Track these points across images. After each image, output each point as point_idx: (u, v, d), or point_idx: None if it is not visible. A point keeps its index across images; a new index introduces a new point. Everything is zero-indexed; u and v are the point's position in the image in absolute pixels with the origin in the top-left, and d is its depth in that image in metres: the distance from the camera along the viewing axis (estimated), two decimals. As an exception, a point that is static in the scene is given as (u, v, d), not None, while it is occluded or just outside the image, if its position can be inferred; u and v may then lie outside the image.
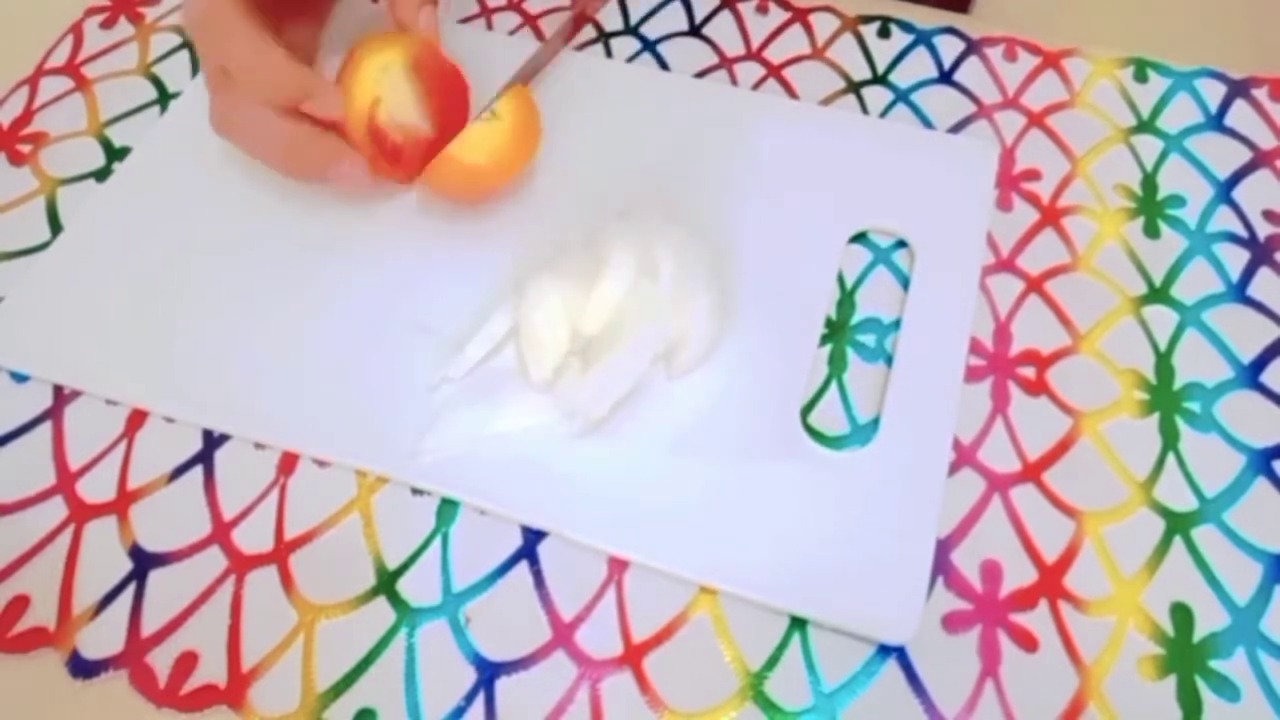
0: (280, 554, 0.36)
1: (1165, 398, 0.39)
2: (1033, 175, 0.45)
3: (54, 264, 0.43)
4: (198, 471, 0.38)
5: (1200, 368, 0.40)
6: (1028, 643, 0.34)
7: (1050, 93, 0.48)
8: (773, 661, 0.34)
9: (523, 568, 0.36)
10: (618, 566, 0.36)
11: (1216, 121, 0.47)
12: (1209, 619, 0.35)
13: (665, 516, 0.36)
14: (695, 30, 0.51)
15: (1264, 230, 0.44)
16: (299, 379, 0.39)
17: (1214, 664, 0.34)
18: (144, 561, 0.36)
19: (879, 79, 0.49)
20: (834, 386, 0.40)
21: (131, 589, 0.36)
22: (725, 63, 0.50)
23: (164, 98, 0.49)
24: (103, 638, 0.35)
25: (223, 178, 0.45)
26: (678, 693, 0.34)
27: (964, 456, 0.38)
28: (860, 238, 0.43)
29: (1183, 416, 0.39)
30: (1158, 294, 0.42)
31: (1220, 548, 0.36)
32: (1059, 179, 0.45)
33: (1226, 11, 0.51)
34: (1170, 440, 0.38)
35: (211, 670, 0.34)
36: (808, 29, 0.51)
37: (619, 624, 0.35)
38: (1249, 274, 0.42)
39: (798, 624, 0.35)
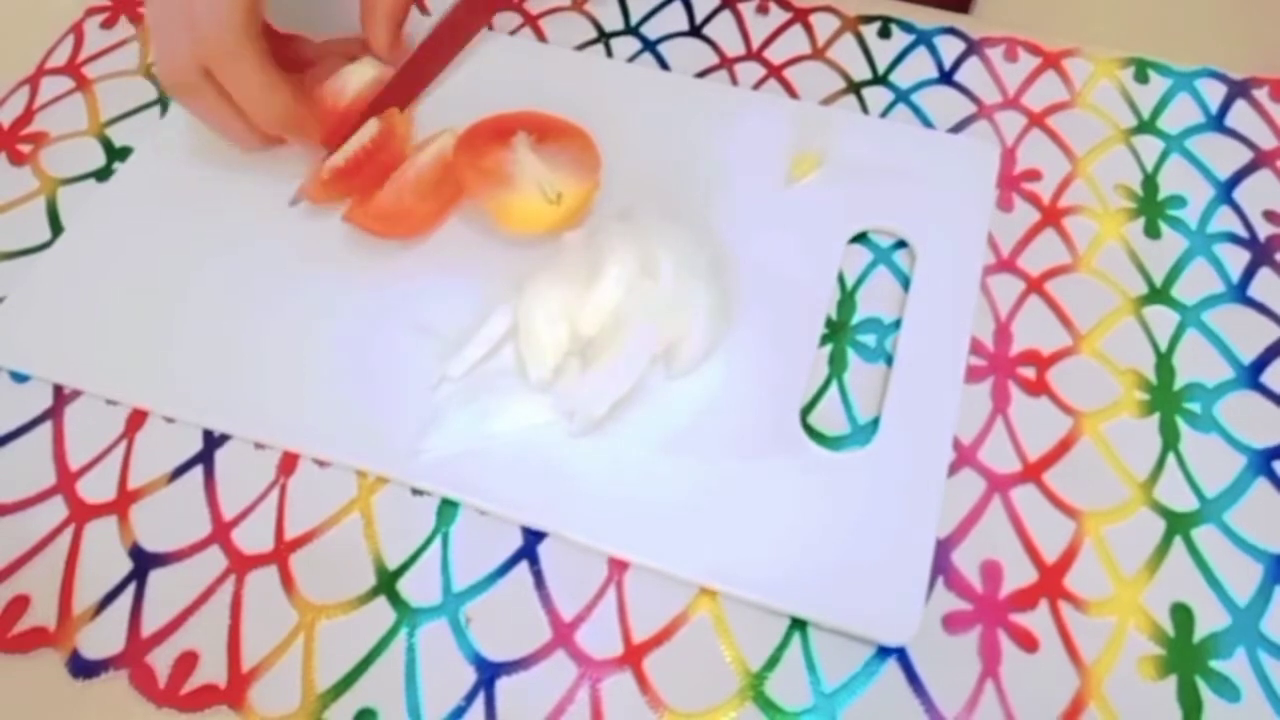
0: (280, 554, 0.36)
1: (1166, 398, 0.39)
2: (1033, 175, 0.45)
3: (54, 264, 0.43)
4: (198, 471, 0.38)
5: (1201, 368, 0.40)
6: (1028, 643, 0.34)
7: (1051, 93, 0.48)
8: (773, 661, 0.34)
9: (523, 568, 0.36)
10: (618, 567, 0.36)
11: (1217, 122, 0.47)
12: (1209, 619, 0.35)
13: (664, 516, 0.36)
14: (695, 30, 0.51)
15: (1264, 231, 0.44)
16: (299, 379, 0.39)
17: (1214, 664, 0.34)
18: (144, 561, 0.36)
19: (879, 79, 0.49)
20: (834, 386, 0.40)
21: (131, 589, 0.36)
22: (725, 63, 0.50)
23: (165, 98, 0.49)
24: (103, 638, 0.35)
25: (223, 178, 0.45)
26: (678, 693, 0.34)
27: (964, 456, 0.38)
28: (861, 238, 0.43)
29: (1183, 417, 0.39)
30: (1158, 294, 0.42)
31: (1221, 548, 0.36)
32: (1059, 179, 0.45)
33: (1226, 11, 0.51)
34: (1171, 440, 0.38)
35: (211, 670, 0.34)
36: (808, 29, 0.51)
37: (619, 624, 0.35)
38: (1249, 274, 0.42)
39: (798, 624, 0.35)
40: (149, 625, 0.35)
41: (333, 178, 0.43)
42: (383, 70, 0.46)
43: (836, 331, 0.41)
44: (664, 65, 0.50)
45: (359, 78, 0.45)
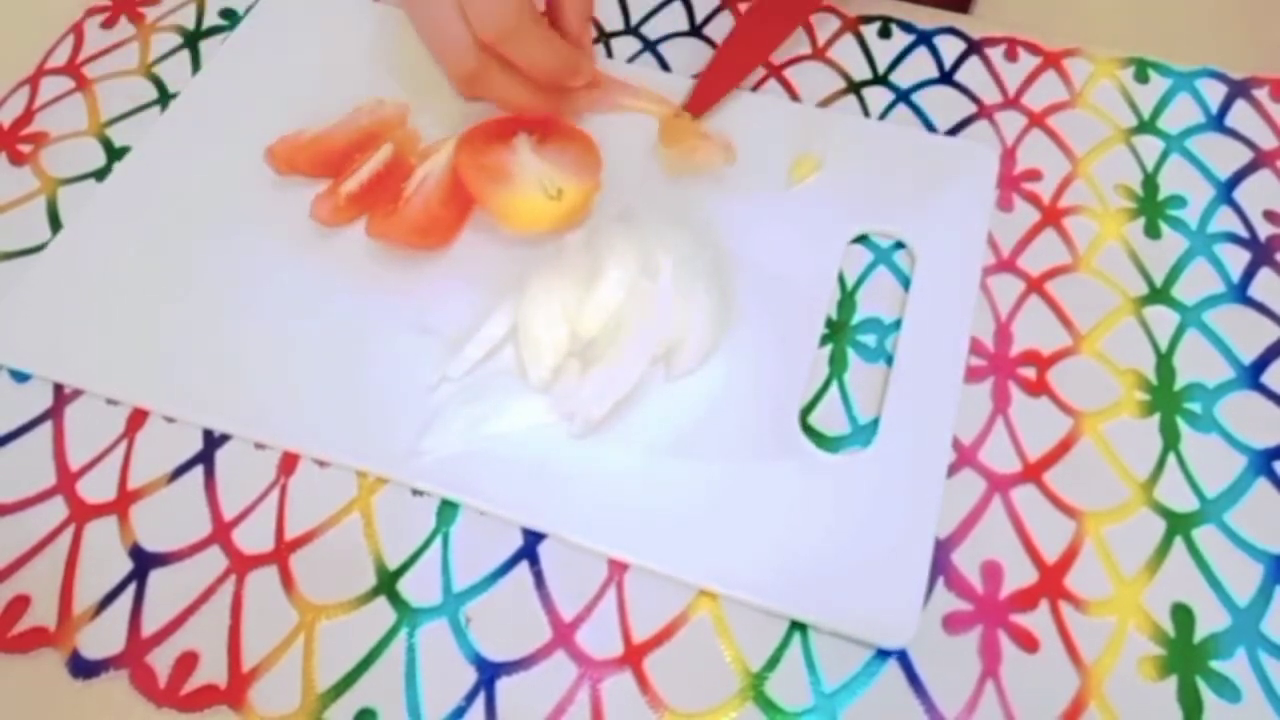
0: (280, 554, 0.36)
1: (1166, 398, 0.39)
2: (1033, 175, 0.45)
3: (54, 264, 0.43)
4: (198, 471, 0.38)
5: (1201, 368, 0.40)
6: (1028, 643, 0.34)
7: (1051, 93, 0.48)
8: (773, 662, 0.34)
9: (523, 568, 0.36)
10: (618, 567, 0.36)
11: (1217, 122, 0.47)
12: (1210, 619, 0.35)
13: (664, 518, 0.36)
14: (695, 30, 0.51)
15: (1265, 231, 0.44)
16: (299, 379, 0.39)
17: (1215, 664, 0.34)
18: (144, 561, 0.36)
19: (880, 79, 0.49)
20: (834, 387, 0.40)
21: (132, 589, 0.36)
22: (726, 63, 0.49)
23: (164, 97, 0.49)
24: (103, 638, 0.35)
25: (222, 177, 0.45)
26: (678, 693, 0.34)
27: (964, 457, 0.38)
28: (861, 239, 0.43)
29: (1183, 417, 0.39)
30: (1158, 294, 0.42)
31: (1221, 548, 0.36)
32: (1060, 179, 0.45)
33: (1227, 11, 0.51)
34: (1171, 441, 0.38)
35: (212, 670, 0.34)
36: (808, 29, 0.51)
37: (619, 624, 0.35)
38: (1250, 274, 0.42)
39: (798, 624, 0.35)
40: (149, 625, 0.35)
41: (348, 203, 0.43)
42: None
43: (836, 331, 0.41)
44: (664, 65, 0.50)
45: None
